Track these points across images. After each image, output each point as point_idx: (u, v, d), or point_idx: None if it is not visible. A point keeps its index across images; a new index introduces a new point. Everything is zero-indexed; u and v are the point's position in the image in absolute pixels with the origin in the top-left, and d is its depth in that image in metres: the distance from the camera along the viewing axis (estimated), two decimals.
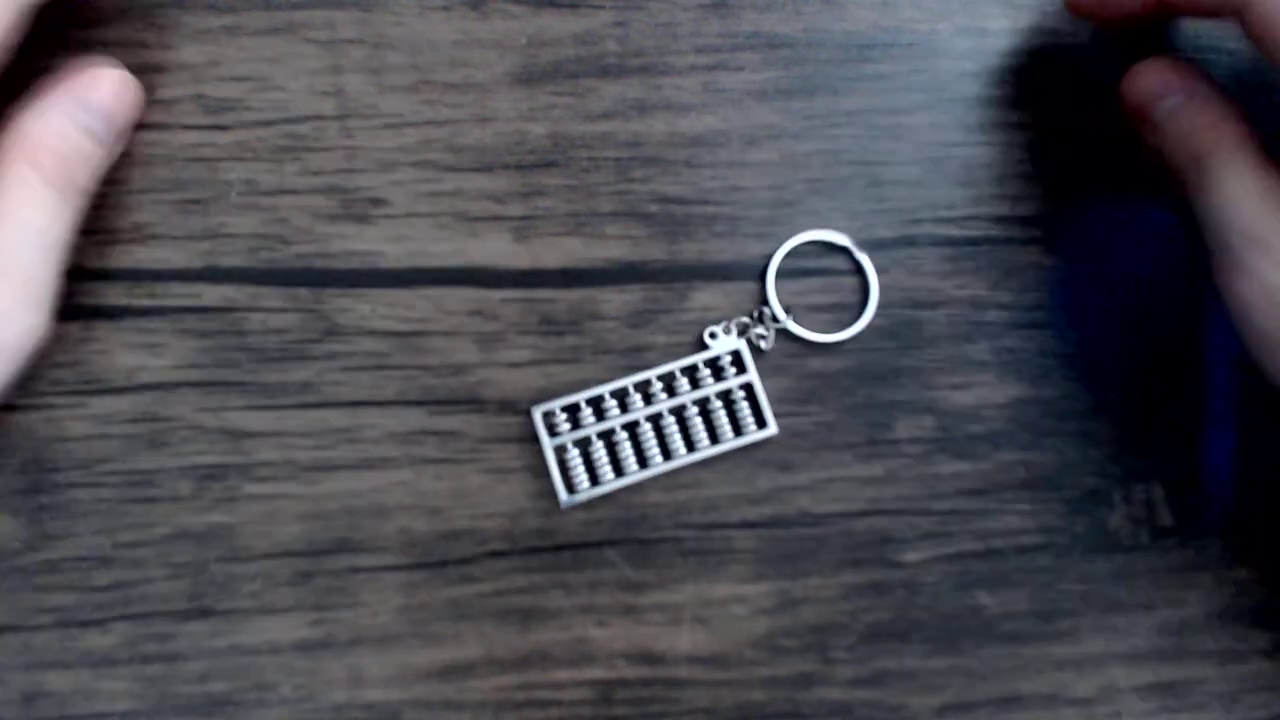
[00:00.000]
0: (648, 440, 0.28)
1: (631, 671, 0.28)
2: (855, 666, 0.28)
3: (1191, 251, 0.30)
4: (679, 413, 0.29)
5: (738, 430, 0.29)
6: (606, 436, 0.29)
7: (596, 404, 0.29)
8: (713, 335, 0.29)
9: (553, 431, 0.28)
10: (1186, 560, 0.29)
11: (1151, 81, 0.28)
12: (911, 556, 0.29)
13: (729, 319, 0.29)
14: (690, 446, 0.29)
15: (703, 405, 0.29)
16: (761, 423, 0.29)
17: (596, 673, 0.28)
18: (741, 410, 0.29)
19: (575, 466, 0.28)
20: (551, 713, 0.27)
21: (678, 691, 0.28)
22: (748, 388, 0.29)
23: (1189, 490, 0.29)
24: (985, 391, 0.29)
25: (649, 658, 0.28)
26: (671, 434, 0.28)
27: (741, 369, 0.29)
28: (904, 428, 0.29)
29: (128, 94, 0.28)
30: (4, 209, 0.25)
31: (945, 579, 0.29)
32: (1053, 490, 0.29)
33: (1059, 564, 0.29)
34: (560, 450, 0.28)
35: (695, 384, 0.29)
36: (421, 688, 0.27)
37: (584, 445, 0.29)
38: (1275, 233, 0.25)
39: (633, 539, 0.28)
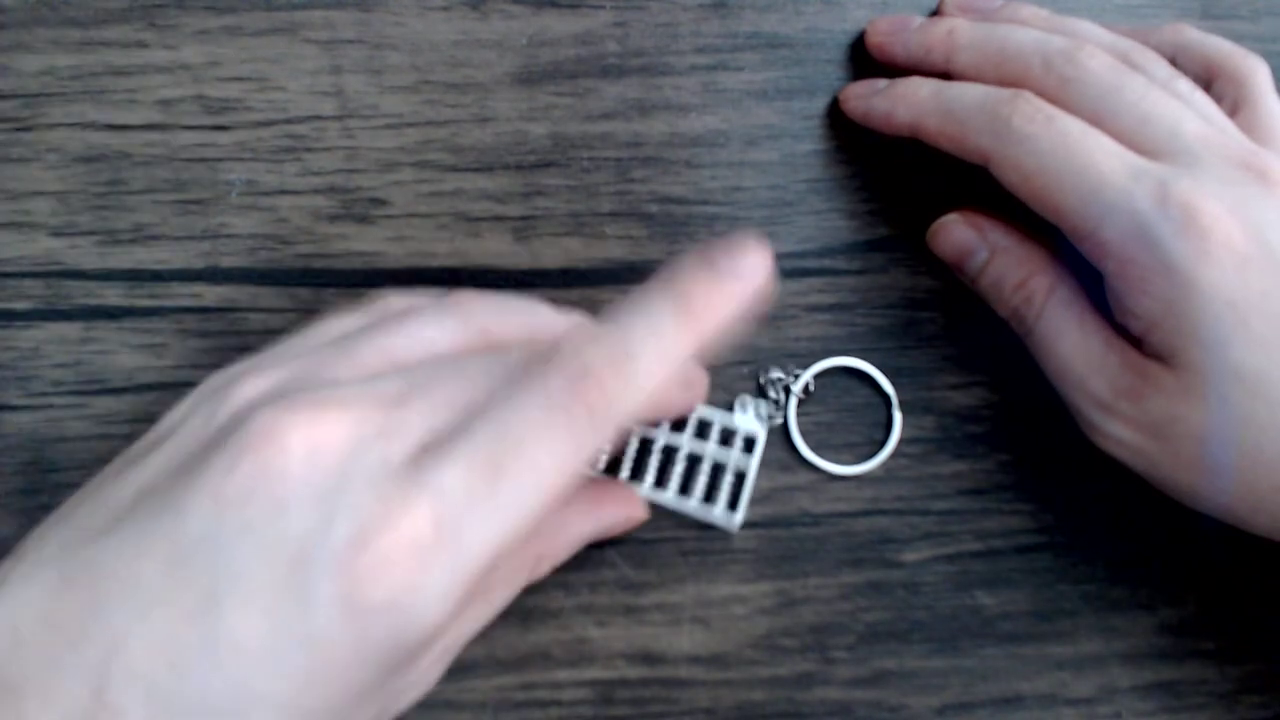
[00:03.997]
0: (625, 457, 0.28)
1: (631, 671, 0.28)
2: (855, 666, 0.28)
3: None
4: (670, 452, 0.28)
5: (709, 498, 0.28)
6: None
7: None
8: (744, 406, 0.28)
9: None
10: (1187, 560, 0.29)
11: (951, 241, 0.28)
12: (911, 556, 0.29)
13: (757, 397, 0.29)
14: (660, 482, 0.28)
15: (694, 459, 0.28)
16: (733, 507, 0.28)
17: (596, 673, 0.28)
18: (722, 484, 0.28)
19: None
20: (551, 713, 0.27)
21: (678, 691, 0.28)
22: (740, 474, 0.28)
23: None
24: (985, 391, 0.29)
25: (649, 658, 0.28)
26: (648, 463, 0.28)
27: (749, 449, 0.28)
28: (904, 428, 0.29)
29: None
30: (520, 449, 0.20)
31: (945, 579, 0.29)
32: (1053, 490, 0.29)
33: (1059, 564, 0.29)
34: None
35: (702, 434, 0.28)
36: None
37: None
38: (1113, 393, 0.25)
39: (633, 539, 0.28)
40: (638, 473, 0.28)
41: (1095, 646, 0.28)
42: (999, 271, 0.27)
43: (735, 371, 0.29)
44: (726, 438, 0.28)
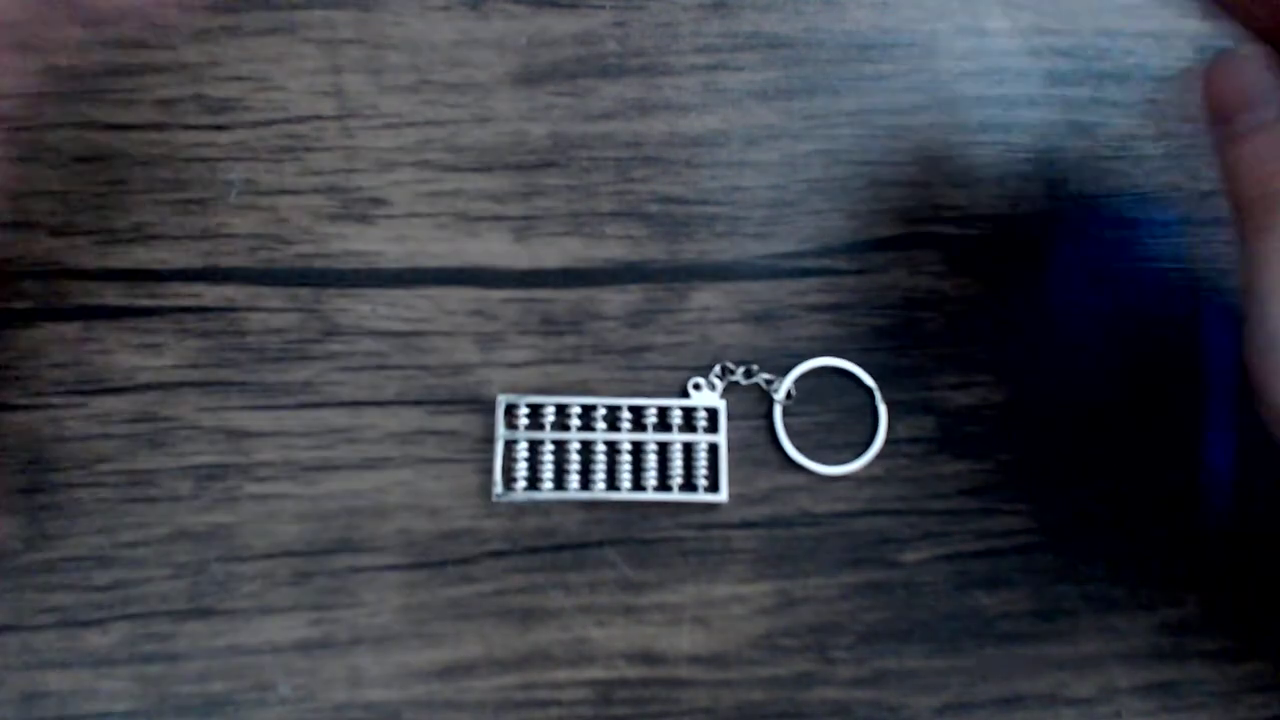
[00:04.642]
0: (598, 464, 0.28)
1: (631, 671, 0.28)
2: (855, 666, 0.28)
3: (1194, 254, 0.30)
4: (638, 447, 0.28)
5: (689, 484, 0.28)
6: (560, 445, 0.28)
7: (562, 410, 0.28)
8: (696, 386, 0.28)
9: (511, 425, 0.28)
10: (1187, 560, 0.29)
11: (1237, 84, 0.22)
12: (911, 556, 0.29)
13: (717, 375, 0.29)
14: (637, 483, 0.28)
15: (663, 448, 0.28)
16: (714, 486, 0.28)
17: (596, 673, 0.28)
18: (699, 467, 0.28)
19: (521, 465, 0.28)
20: (551, 713, 0.27)
21: (678, 691, 0.28)
22: (713, 448, 0.28)
23: (1189, 490, 0.29)
24: (985, 391, 0.29)
25: (649, 658, 0.28)
26: (623, 465, 0.28)
27: (714, 428, 0.28)
28: (904, 428, 0.29)
29: None
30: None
31: (945, 579, 0.29)
32: (1053, 490, 0.29)
33: (1059, 564, 0.29)
34: (511, 445, 0.28)
35: (665, 424, 0.28)
36: (421, 688, 0.27)
37: (537, 448, 0.28)
38: None
39: (633, 539, 0.28)
40: (613, 479, 0.28)
41: (1095, 646, 0.28)
42: (1275, 141, 0.21)
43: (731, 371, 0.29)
44: (690, 421, 0.28)
